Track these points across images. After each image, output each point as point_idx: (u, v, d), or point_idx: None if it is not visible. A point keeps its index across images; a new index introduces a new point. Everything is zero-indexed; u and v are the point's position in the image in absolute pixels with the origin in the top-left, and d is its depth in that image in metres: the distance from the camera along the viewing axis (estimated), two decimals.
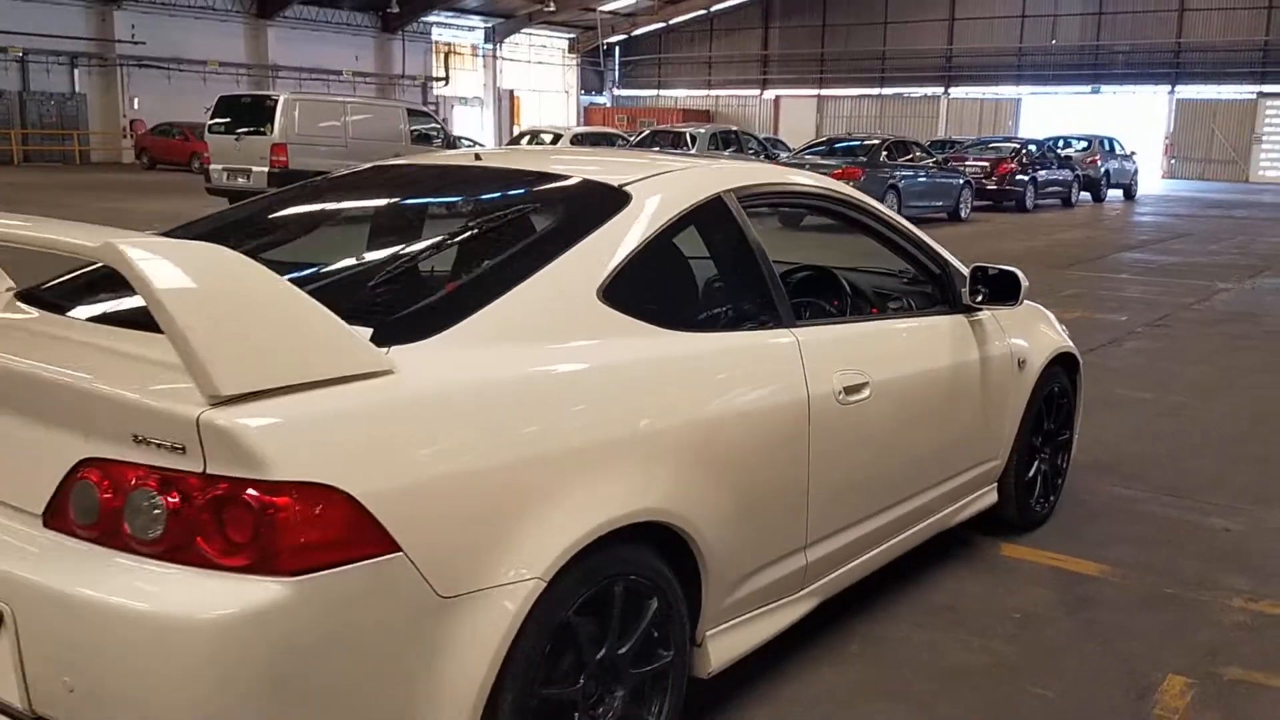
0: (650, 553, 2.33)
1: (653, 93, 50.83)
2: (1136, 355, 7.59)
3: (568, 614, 2.13)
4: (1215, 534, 4.11)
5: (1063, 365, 4.10)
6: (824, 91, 46.99)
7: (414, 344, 2.06)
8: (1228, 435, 5.56)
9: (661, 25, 48.30)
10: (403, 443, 1.92)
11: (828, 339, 2.94)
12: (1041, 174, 21.61)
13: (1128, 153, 26.76)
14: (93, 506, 1.86)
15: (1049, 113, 41.75)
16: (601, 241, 2.46)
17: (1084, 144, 24.83)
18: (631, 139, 22.64)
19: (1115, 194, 25.98)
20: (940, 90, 44.45)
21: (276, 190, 3.37)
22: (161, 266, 1.75)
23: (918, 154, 18.04)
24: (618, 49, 50.43)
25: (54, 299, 2.49)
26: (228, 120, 16.41)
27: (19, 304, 2.49)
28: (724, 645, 2.61)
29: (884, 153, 17.03)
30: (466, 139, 26.02)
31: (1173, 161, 40.17)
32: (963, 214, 18.66)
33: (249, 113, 16.34)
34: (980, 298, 3.52)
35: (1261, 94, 38.70)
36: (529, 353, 2.21)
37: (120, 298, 2.30)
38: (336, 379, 1.88)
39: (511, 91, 47.11)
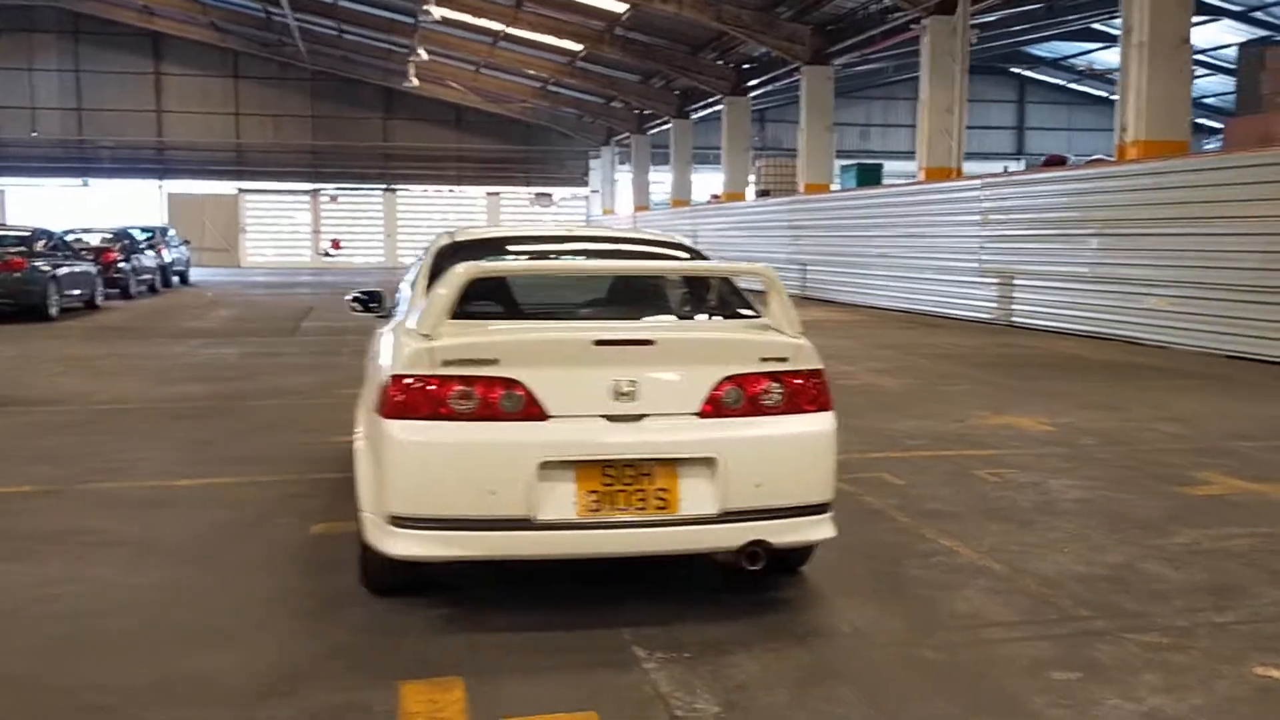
0: None
1: None
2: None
3: None
4: None
5: None
6: None
7: None
8: None
9: None
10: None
11: None
12: (141, 260, 22.97)
13: (181, 242, 29.12)
14: (738, 398, 3.72)
15: (38, 202, 41.48)
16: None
17: (149, 234, 26.41)
18: None
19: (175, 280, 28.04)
20: None
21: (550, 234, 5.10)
22: (772, 277, 3.80)
23: (60, 244, 18.13)
24: None
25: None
26: None
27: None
28: None
29: (40, 242, 16.97)
30: None
31: None
32: (98, 301, 19.21)
33: None
34: None
35: (241, 189, 44.00)
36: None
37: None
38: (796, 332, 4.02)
39: None
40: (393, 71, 39.14)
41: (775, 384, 3.78)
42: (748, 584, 4.26)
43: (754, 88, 29.28)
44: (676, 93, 33.50)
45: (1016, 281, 16.21)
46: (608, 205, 43.31)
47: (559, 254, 4.86)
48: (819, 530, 3.86)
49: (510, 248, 4.90)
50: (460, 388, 3.56)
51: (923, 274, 18.77)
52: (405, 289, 5.21)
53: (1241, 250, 12.08)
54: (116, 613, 3.99)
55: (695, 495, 3.64)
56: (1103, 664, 3.53)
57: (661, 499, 3.62)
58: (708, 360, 3.75)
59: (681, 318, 4.53)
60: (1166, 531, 5.12)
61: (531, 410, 3.59)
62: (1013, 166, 37.84)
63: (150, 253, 24.43)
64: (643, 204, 38.24)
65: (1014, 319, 16.21)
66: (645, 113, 37.09)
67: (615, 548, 3.65)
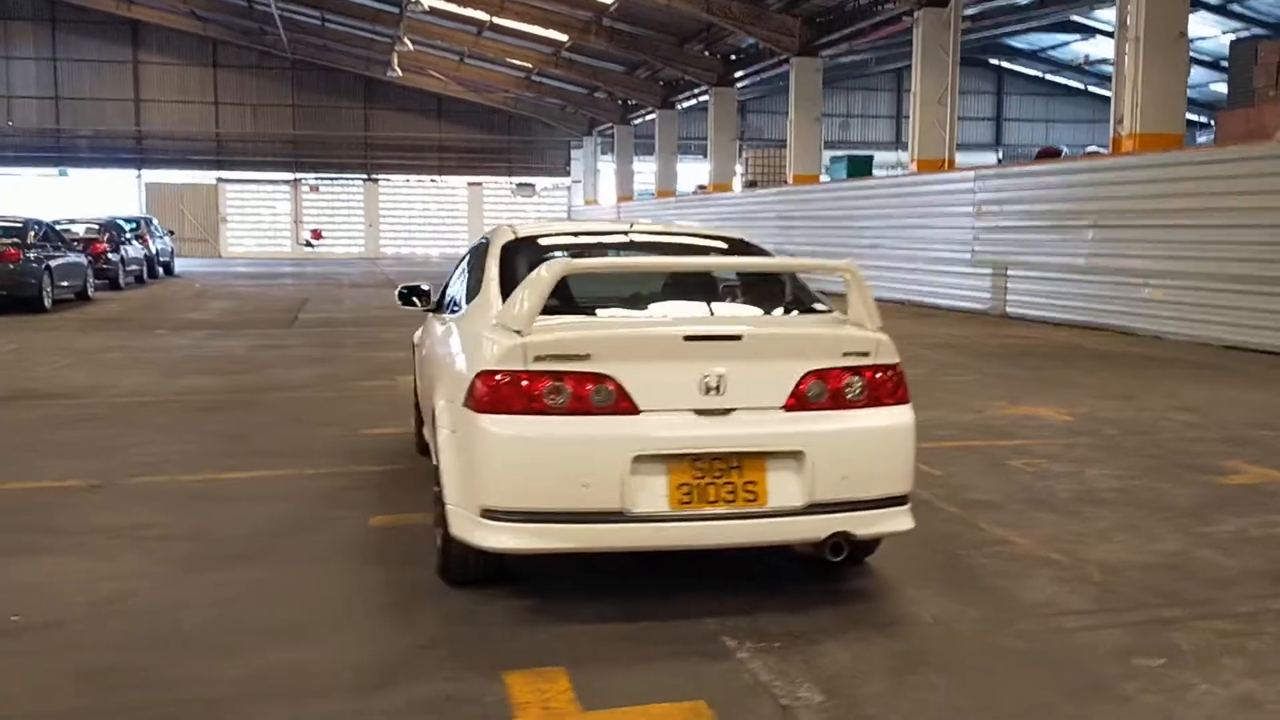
0: None
1: None
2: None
3: None
4: None
5: None
6: None
7: None
8: None
9: None
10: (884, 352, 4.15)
11: None
12: (128, 251, 22.77)
13: (165, 232, 28.91)
14: (821, 392, 3.78)
15: (15, 192, 40.93)
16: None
17: (134, 225, 26.17)
18: None
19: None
20: None
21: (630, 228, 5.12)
22: (856, 273, 3.85)
23: (51, 235, 17.95)
24: None
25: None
26: None
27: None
28: None
29: (31, 232, 16.79)
30: None
31: None
32: (89, 293, 19.05)
33: None
34: None
35: (221, 179, 43.64)
36: None
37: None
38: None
39: None
40: (375, 61, 38.90)
41: (857, 378, 3.84)
42: (818, 574, 4.32)
43: (741, 79, 29.34)
44: (662, 83, 33.51)
45: (1010, 272, 16.36)
46: (590, 195, 43.27)
47: (626, 249, 4.89)
48: (899, 521, 3.93)
49: (577, 243, 4.93)
50: (552, 383, 3.60)
51: (914, 264, 18.90)
52: (458, 284, 5.24)
53: (1236, 242, 12.25)
54: (196, 607, 4.00)
55: (783, 487, 3.69)
56: (1182, 650, 3.61)
57: (751, 491, 3.67)
58: (792, 355, 3.80)
59: (732, 306, 4.58)
60: (1211, 520, 5.22)
61: (623, 405, 3.63)
62: (992, 157, 38.16)
63: (137, 243, 24.25)
64: (626, 194, 38.24)
65: (1008, 309, 16.37)
66: (630, 103, 37.07)
67: (706, 539, 3.70)
